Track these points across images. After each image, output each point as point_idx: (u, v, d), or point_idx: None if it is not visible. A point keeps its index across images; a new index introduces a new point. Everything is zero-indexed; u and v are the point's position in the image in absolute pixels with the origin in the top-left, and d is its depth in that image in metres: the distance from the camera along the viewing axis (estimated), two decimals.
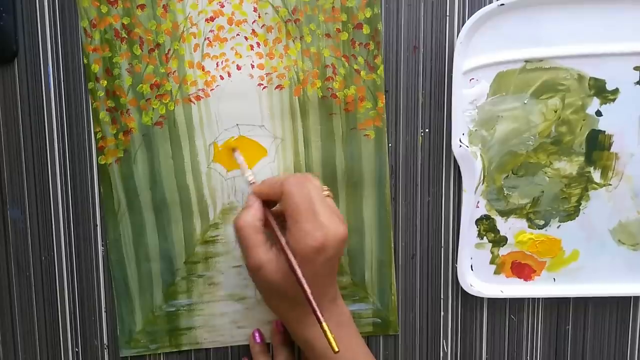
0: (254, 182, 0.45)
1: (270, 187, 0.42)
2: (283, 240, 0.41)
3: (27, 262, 0.48)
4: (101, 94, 0.46)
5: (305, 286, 0.39)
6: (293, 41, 0.46)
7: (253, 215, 0.42)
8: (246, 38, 0.46)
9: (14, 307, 0.48)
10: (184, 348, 0.49)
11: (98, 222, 0.48)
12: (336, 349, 0.38)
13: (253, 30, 0.46)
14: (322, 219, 0.40)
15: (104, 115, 0.46)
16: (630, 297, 0.50)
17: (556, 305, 0.50)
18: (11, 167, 0.47)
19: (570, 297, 0.50)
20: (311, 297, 0.39)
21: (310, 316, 0.41)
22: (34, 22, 0.46)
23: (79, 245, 0.48)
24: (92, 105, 0.46)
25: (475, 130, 0.47)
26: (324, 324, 0.38)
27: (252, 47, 0.46)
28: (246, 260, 0.42)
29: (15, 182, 0.47)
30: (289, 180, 0.41)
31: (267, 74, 0.47)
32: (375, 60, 0.47)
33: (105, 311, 0.49)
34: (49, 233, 0.48)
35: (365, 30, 0.46)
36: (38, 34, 0.46)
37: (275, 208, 0.44)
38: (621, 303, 0.50)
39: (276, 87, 0.47)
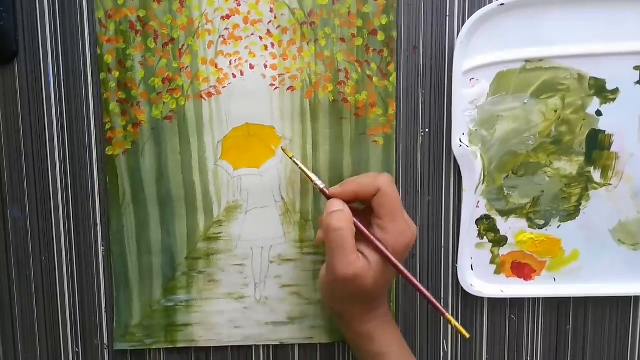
0: (324, 187, 0.44)
1: (361, 185, 0.42)
2: (379, 244, 0.41)
3: (27, 262, 0.48)
4: (112, 85, 0.46)
5: (421, 287, 0.42)
6: (307, 44, 0.46)
7: (349, 218, 0.41)
8: (261, 38, 0.46)
9: (14, 307, 0.48)
10: (179, 345, 0.49)
11: (98, 222, 0.48)
12: (467, 335, 0.41)
13: (268, 30, 0.46)
14: (406, 217, 0.43)
15: (114, 106, 0.46)
16: (630, 297, 0.50)
17: (556, 305, 0.50)
18: (11, 167, 0.47)
19: (570, 297, 0.50)
20: (429, 295, 0.42)
21: (371, 313, 0.43)
22: (34, 22, 0.46)
23: (79, 244, 0.48)
24: (102, 96, 0.46)
25: (476, 130, 0.47)
26: (448, 315, 0.41)
27: (266, 47, 0.46)
28: (338, 267, 0.40)
29: (15, 181, 0.47)
30: (381, 178, 0.42)
31: (279, 75, 0.47)
32: (388, 67, 0.47)
33: (106, 311, 0.49)
34: (49, 232, 0.48)
35: (380, 37, 0.46)
36: (38, 34, 0.46)
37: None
38: (621, 303, 0.50)
39: (288, 89, 0.47)
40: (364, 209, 0.44)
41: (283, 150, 0.46)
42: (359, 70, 0.47)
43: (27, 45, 0.46)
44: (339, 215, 0.41)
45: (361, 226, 0.42)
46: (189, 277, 0.49)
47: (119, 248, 0.48)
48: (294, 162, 0.45)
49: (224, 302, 0.49)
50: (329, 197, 0.43)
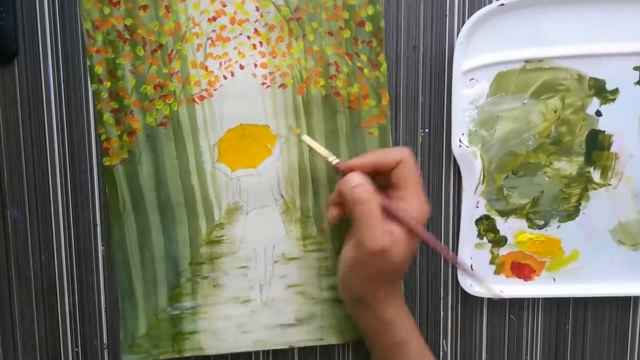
0: (337, 162, 0.44)
1: (381, 157, 0.42)
2: (404, 214, 0.41)
3: (27, 262, 0.48)
4: (105, 95, 0.46)
5: (450, 252, 0.44)
6: (296, 40, 0.46)
7: (373, 190, 0.41)
8: (249, 37, 0.46)
9: (14, 307, 0.48)
10: (187, 354, 0.48)
11: (98, 222, 0.48)
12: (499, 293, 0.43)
13: (255, 29, 0.46)
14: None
15: (107, 116, 0.46)
16: (630, 297, 0.50)
17: (556, 305, 0.50)
18: (11, 168, 0.47)
19: (570, 297, 0.50)
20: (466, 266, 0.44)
21: (393, 296, 0.43)
22: (34, 22, 0.46)
23: (79, 245, 0.48)
24: (96, 107, 0.46)
25: (475, 130, 0.47)
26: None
27: (254, 46, 0.46)
28: (368, 239, 0.40)
29: (15, 182, 0.47)
30: (403, 150, 0.42)
31: (270, 73, 0.47)
32: (378, 58, 0.47)
33: (105, 311, 0.49)
34: (49, 233, 0.48)
35: (368, 27, 0.46)
36: (38, 34, 0.46)
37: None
38: (621, 303, 0.50)
39: (279, 86, 0.47)
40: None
41: (291, 128, 0.46)
42: (349, 62, 0.47)
43: (27, 45, 0.46)
44: (364, 188, 0.41)
45: (385, 199, 0.42)
46: (194, 282, 0.48)
47: (122, 257, 0.48)
48: (303, 140, 0.45)
49: (230, 307, 0.48)
50: (344, 173, 0.43)
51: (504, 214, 0.48)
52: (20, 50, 0.46)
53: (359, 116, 0.47)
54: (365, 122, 0.47)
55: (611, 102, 0.46)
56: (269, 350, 0.50)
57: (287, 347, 0.49)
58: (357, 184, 0.41)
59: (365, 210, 0.40)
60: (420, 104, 0.48)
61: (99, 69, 0.46)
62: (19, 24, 0.46)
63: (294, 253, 0.49)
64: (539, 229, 0.49)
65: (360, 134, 0.47)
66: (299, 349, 0.50)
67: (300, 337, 0.49)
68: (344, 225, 0.46)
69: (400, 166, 0.42)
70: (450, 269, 0.49)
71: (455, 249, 0.49)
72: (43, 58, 0.46)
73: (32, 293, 0.48)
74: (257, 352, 0.50)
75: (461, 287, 0.49)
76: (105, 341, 0.49)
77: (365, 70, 0.47)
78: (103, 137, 0.47)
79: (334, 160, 0.44)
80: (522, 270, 0.49)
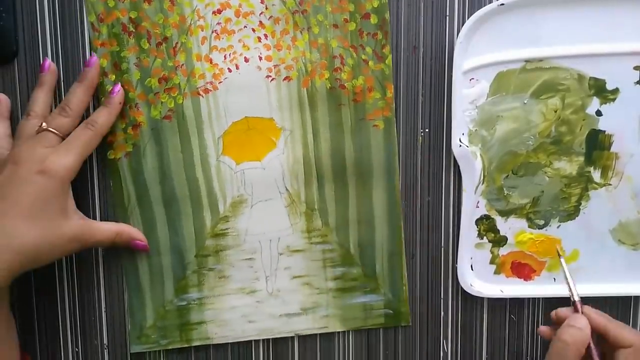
0: (579, 301, 0.44)
1: (621, 333, 0.42)
2: None
3: None
4: (109, 88, 0.46)
5: None
6: (301, 32, 0.46)
7: (582, 340, 0.41)
8: (253, 30, 0.46)
9: (14, 307, 0.48)
10: (195, 343, 0.49)
11: (98, 219, 0.48)
12: None
13: (260, 22, 0.46)
14: None
15: None
16: (630, 297, 0.50)
17: (556, 305, 0.50)
18: None
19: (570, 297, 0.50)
20: None
21: None
22: (34, 22, 0.46)
23: None
24: (100, 101, 0.46)
25: (475, 130, 0.47)
26: None
27: (259, 39, 0.46)
28: None
29: None
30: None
31: (275, 66, 0.47)
32: (384, 50, 0.47)
33: (105, 311, 0.49)
34: None
35: (373, 20, 0.46)
36: (38, 34, 0.46)
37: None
38: (621, 303, 0.50)
39: (284, 79, 0.47)
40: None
41: (558, 253, 0.47)
42: (354, 55, 0.47)
43: (27, 45, 0.46)
44: (574, 332, 0.41)
45: (596, 357, 0.42)
46: (200, 274, 0.48)
47: (128, 251, 0.48)
48: (562, 265, 0.46)
49: (236, 298, 0.49)
50: (576, 311, 0.44)
51: (504, 213, 0.48)
52: (20, 50, 0.46)
53: (364, 109, 0.47)
54: (370, 115, 0.47)
55: (611, 102, 0.46)
56: (269, 337, 0.50)
57: (292, 335, 0.49)
58: (572, 325, 0.42)
59: (559, 349, 0.41)
60: (420, 104, 0.48)
61: (104, 62, 0.46)
62: (19, 24, 0.46)
63: (299, 245, 0.49)
64: (539, 228, 0.49)
65: (365, 126, 0.47)
66: (300, 336, 0.50)
67: (306, 326, 0.49)
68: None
69: (629, 351, 0.41)
70: (450, 269, 0.49)
71: (456, 248, 0.49)
72: (43, 58, 0.46)
73: (32, 293, 0.48)
74: (257, 339, 0.50)
75: (461, 287, 0.49)
76: (105, 341, 0.49)
77: (370, 63, 0.47)
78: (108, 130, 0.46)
79: (575, 296, 0.44)
80: (522, 270, 0.49)
